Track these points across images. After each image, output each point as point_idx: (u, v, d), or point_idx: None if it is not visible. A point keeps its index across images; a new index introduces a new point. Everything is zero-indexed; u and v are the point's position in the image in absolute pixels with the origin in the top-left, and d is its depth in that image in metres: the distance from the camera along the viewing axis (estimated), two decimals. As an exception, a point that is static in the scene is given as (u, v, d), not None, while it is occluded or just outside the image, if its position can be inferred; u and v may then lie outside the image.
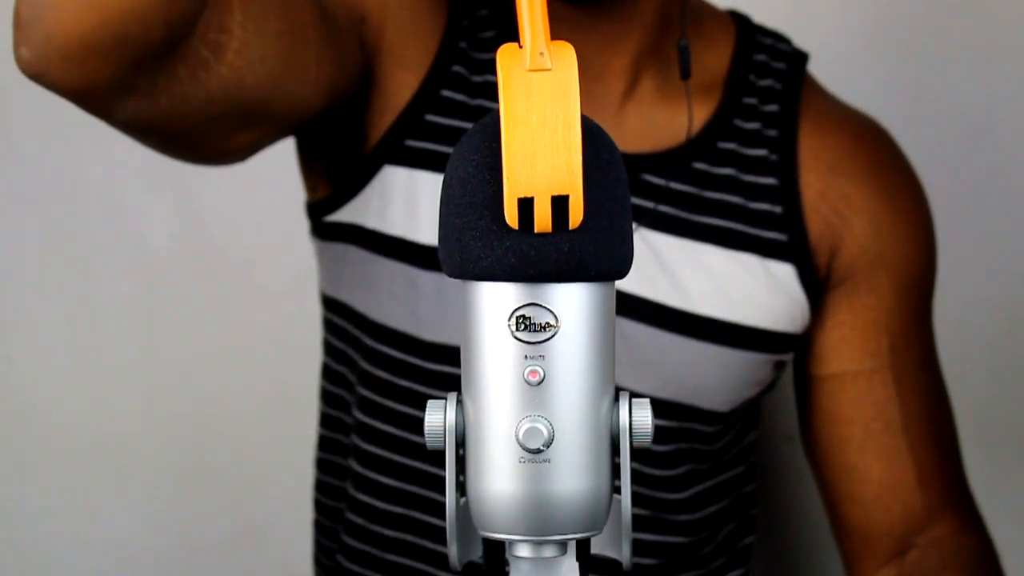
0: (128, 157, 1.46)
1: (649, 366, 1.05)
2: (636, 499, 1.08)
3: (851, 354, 1.09)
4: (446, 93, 1.06)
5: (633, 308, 1.04)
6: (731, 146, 1.08)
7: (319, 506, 1.20)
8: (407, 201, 1.06)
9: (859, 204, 1.09)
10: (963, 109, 1.40)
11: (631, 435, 0.60)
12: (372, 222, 1.07)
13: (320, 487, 1.20)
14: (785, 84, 1.10)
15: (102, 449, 1.54)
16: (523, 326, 0.58)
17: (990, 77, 1.39)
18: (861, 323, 1.09)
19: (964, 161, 1.39)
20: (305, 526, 1.24)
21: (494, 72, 1.07)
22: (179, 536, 1.56)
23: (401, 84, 1.06)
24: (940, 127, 1.39)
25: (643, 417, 0.60)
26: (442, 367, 1.06)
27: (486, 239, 0.57)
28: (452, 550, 0.62)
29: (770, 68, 1.11)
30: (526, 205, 0.56)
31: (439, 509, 1.07)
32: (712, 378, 1.07)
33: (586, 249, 0.57)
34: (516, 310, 0.58)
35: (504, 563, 0.63)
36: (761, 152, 1.08)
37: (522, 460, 0.59)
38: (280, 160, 1.19)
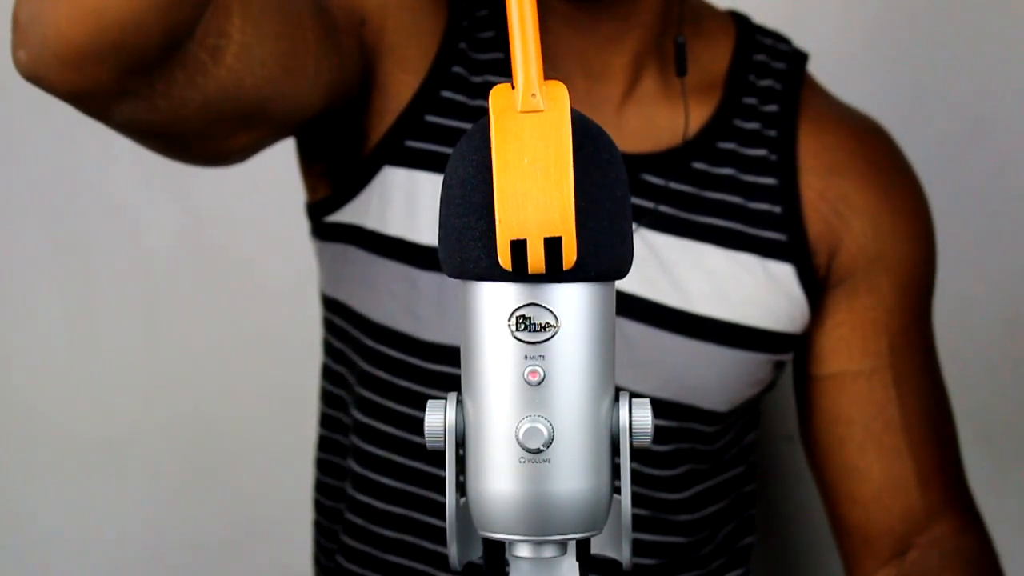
0: (128, 158, 1.46)
1: (649, 366, 1.05)
2: (636, 499, 1.08)
3: (851, 354, 1.09)
4: (446, 94, 1.06)
5: (633, 308, 1.04)
6: (731, 146, 1.08)
7: (319, 506, 1.20)
8: (407, 202, 1.06)
9: (859, 204, 1.09)
10: (963, 109, 1.40)
11: (631, 435, 0.60)
12: (372, 223, 1.07)
13: (320, 487, 1.20)
14: (785, 84, 1.10)
15: (102, 449, 1.54)
16: (523, 326, 0.58)
17: (990, 77, 1.39)
18: (860, 323, 1.09)
19: (964, 161, 1.39)
20: (305, 526, 1.24)
21: (494, 73, 1.07)
22: (179, 536, 1.56)
23: (401, 85, 1.06)
24: (940, 127, 1.39)
25: (643, 417, 0.60)
26: (442, 367, 1.06)
27: (486, 239, 0.57)
28: (452, 550, 0.62)
29: (770, 68, 1.11)
30: (519, 247, 0.56)
31: (439, 509, 1.07)
32: (711, 378, 1.07)
33: (586, 249, 0.57)
34: (516, 310, 0.58)
35: (504, 563, 0.63)
36: (761, 152, 1.08)
37: (522, 460, 0.59)
38: (280, 160, 1.19)
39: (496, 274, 0.57)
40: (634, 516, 1.07)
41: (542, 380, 0.58)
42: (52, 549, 1.56)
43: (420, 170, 1.06)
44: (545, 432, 0.58)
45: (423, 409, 0.61)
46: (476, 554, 0.64)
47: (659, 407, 1.06)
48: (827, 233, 1.08)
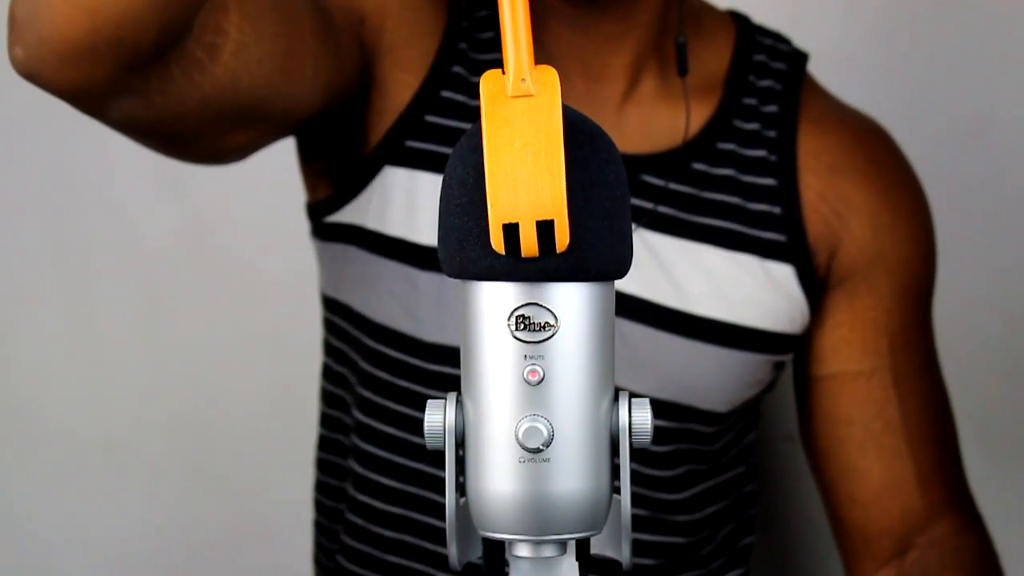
0: (128, 158, 1.46)
1: (648, 367, 1.05)
2: (635, 499, 1.08)
3: (851, 354, 1.09)
4: (446, 94, 1.06)
5: (632, 309, 1.04)
6: (730, 147, 1.08)
7: (319, 506, 1.20)
8: (407, 202, 1.06)
9: (858, 204, 1.09)
10: (963, 109, 1.40)
11: (631, 435, 0.60)
12: (372, 223, 1.07)
13: (320, 487, 1.20)
14: (785, 84, 1.10)
15: (102, 449, 1.54)
16: (523, 326, 0.58)
17: (990, 77, 1.39)
18: (860, 323, 1.09)
19: (964, 161, 1.39)
20: (305, 526, 1.24)
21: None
22: (179, 536, 1.56)
23: (401, 85, 1.06)
24: (940, 127, 1.39)
25: (643, 417, 0.60)
26: (442, 368, 1.06)
27: (485, 239, 0.57)
28: (452, 550, 0.62)
29: (770, 68, 1.11)
30: (511, 231, 0.56)
31: (439, 510, 1.07)
32: (711, 379, 1.07)
33: (585, 249, 0.57)
34: (516, 310, 0.58)
35: (504, 563, 0.63)
36: (760, 153, 1.08)
37: (522, 460, 0.59)
38: (280, 160, 1.19)
39: (496, 274, 0.57)
40: (634, 516, 1.07)
41: (542, 380, 0.58)
42: (52, 549, 1.56)
43: (420, 170, 1.06)
44: (545, 432, 0.58)
45: (423, 409, 0.61)
46: (476, 554, 0.64)
47: (658, 408, 1.06)
48: (827, 233, 1.08)
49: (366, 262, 1.07)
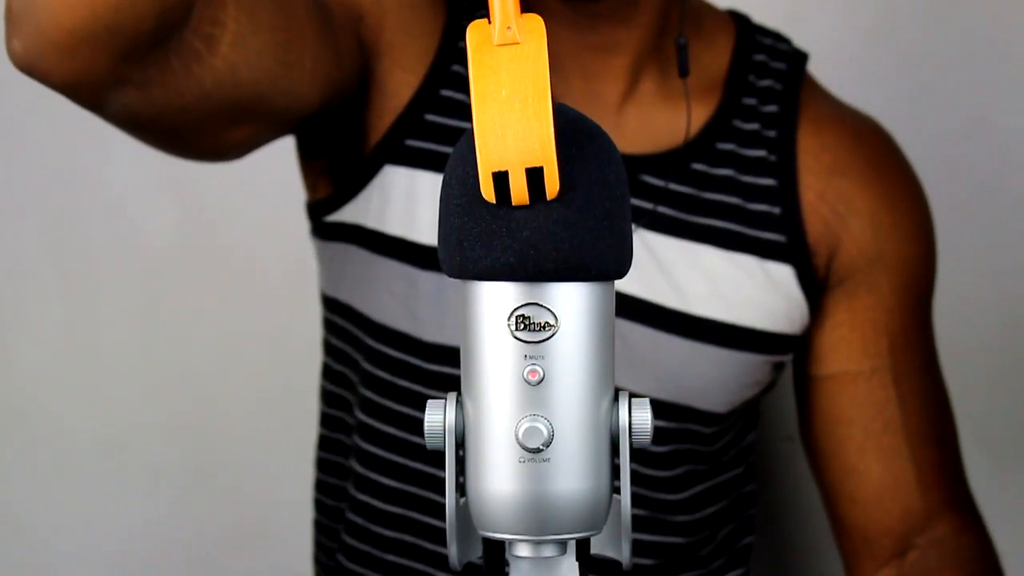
0: (128, 157, 1.46)
1: (647, 367, 1.05)
2: (634, 499, 1.08)
3: (850, 355, 1.09)
4: (446, 93, 1.06)
5: (631, 309, 1.04)
6: (730, 147, 1.08)
7: (319, 506, 1.20)
8: (407, 201, 1.06)
9: (858, 205, 1.09)
10: (963, 109, 1.40)
11: (631, 435, 0.60)
12: (372, 222, 1.07)
13: (320, 487, 1.20)
14: (784, 84, 1.10)
15: (102, 448, 1.54)
16: (523, 326, 0.58)
17: (990, 77, 1.39)
18: (860, 324, 1.09)
19: (964, 161, 1.39)
20: (305, 526, 1.24)
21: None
22: (179, 536, 1.56)
23: (401, 84, 1.06)
24: (940, 127, 1.39)
25: (643, 417, 0.60)
26: (442, 368, 1.06)
27: (485, 239, 0.57)
28: (452, 550, 0.62)
29: (769, 68, 1.11)
30: (501, 179, 0.56)
31: (439, 510, 1.07)
32: (710, 379, 1.07)
33: (586, 249, 0.57)
34: (516, 310, 0.58)
35: (504, 563, 0.63)
36: (760, 153, 1.08)
37: (522, 460, 0.59)
38: (281, 160, 1.19)
39: (496, 274, 0.57)
40: (633, 516, 1.06)
41: (542, 380, 0.58)
42: (52, 549, 1.56)
43: (420, 169, 1.06)
44: (545, 432, 0.58)
45: (423, 409, 0.61)
46: (476, 554, 0.64)
47: (658, 408, 1.06)
48: (826, 234, 1.08)
49: (366, 261, 1.07)
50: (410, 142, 1.06)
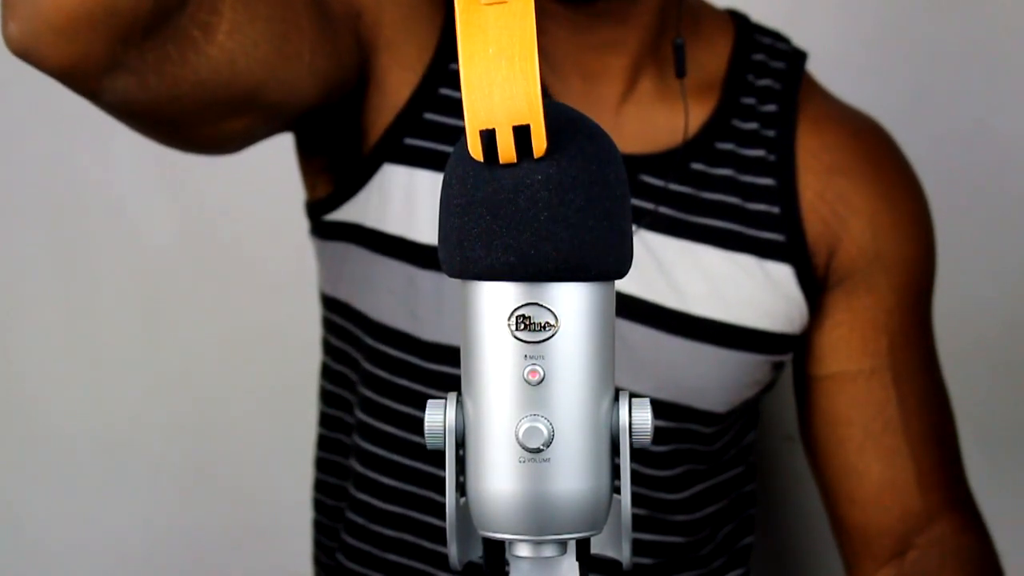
0: (128, 156, 1.46)
1: (647, 367, 1.05)
2: (634, 499, 1.08)
3: (850, 354, 1.09)
4: (445, 91, 1.06)
5: (631, 309, 1.04)
6: (729, 147, 1.08)
7: (319, 505, 1.20)
8: (406, 200, 1.06)
9: (858, 204, 1.09)
10: (963, 109, 1.40)
11: (631, 435, 0.60)
12: (371, 221, 1.07)
13: (320, 486, 1.20)
14: (784, 84, 1.10)
15: (102, 448, 1.54)
16: (523, 326, 0.58)
17: (990, 77, 1.39)
18: (860, 323, 1.09)
19: (964, 161, 1.39)
20: (305, 526, 1.24)
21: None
22: (179, 536, 1.56)
23: (399, 82, 1.06)
24: (940, 127, 1.39)
25: (643, 417, 0.60)
26: (442, 367, 1.06)
27: (486, 239, 0.57)
28: (452, 550, 0.62)
29: (768, 67, 1.11)
30: (488, 137, 0.56)
31: (439, 509, 1.07)
32: (710, 379, 1.07)
33: (586, 249, 0.57)
34: (516, 310, 0.58)
35: (504, 563, 0.63)
36: (759, 152, 1.08)
37: (522, 460, 0.58)
38: (280, 160, 1.19)
39: (496, 274, 0.57)
40: (633, 516, 1.07)
41: (542, 380, 0.58)
42: (51, 549, 1.56)
43: (419, 168, 1.06)
44: (545, 432, 0.58)
45: (423, 408, 0.61)
46: (476, 554, 0.64)
47: (657, 408, 1.06)
48: (826, 233, 1.08)
49: (365, 260, 1.07)
50: (409, 141, 1.06)
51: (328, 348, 1.17)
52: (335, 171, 1.10)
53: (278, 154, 1.15)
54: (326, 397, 1.18)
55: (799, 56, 1.12)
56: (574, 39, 1.06)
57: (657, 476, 1.09)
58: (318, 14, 0.97)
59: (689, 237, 1.06)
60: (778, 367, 1.11)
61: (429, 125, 1.06)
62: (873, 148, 1.11)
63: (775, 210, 1.07)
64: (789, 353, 1.10)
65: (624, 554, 0.62)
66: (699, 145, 1.08)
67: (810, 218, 1.08)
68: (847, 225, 1.08)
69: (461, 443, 0.61)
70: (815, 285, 1.08)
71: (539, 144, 0.56)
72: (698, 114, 1.08)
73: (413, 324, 1.06)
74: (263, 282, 1.52)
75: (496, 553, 0.63)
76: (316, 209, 1.12)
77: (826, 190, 1.08)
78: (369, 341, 1.09)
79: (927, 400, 1.11)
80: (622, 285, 1.02)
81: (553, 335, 0.58)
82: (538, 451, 0.58)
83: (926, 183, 1.13)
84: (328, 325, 1.16)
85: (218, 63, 0.88)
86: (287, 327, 1.49)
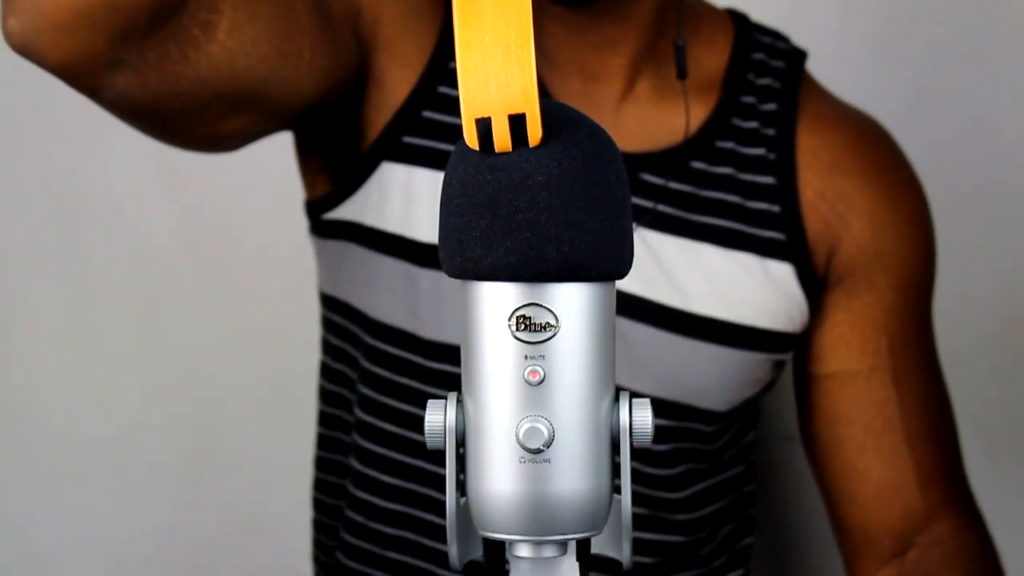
0: (128, 156, 1.46)
1: (647, 366, 1.05)
2: (634, 498, 1.08)
3: (850, 353, 1.09)
4: (443, 89, 1.06)
5: (631, 308, 1.04)
6: (729, 145, 1.08)
7: (318, 504, 1.20)
8: (405, 198, 1.06)
9: (858, 203, 1.09)
10: (963, 109, 1.40)
11: (631, 435, 0.60)
12: (370, 219, 1.07)
13: (319, 485, 1.20)
14: (783, 82, 1.10)
15: (102, 448, 1.54)
16: (523, 326, 0.58)
17: (990, 77, 1.39)
18: (860, 322, 1.09)
19: (964, 161, 1.39)
20: (305, 525, 1.24)
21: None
22: (179, 535, 1.56)
23: (398, 80, 1.06)
24: (940, 127, 1.39)
25: (643, 417, 0.60)
26: (442, 365, 1.06)
27: (486, 239, 0.57)
28: (452, 549, 0.62)
29: (768, 66, 1.11)
30: (484, 126, 0.56)
31: (439, 507, 1.07)
32: (710, 378, 1.07)
33: (586, 249, 0.57)
34: (516, 310, 0.58)
35: (504, 563, 0.63)
36: (759, 151, 1.08)
37: (522, 460, 0.58)
38: (280, 159, 1.19)
39: (496, 274, 0.57)
40: (633, 515, 1.07)
41: (542, 380, 0.58)
42: (52, 549, 1.56)
43: (418, 166, 1.06)
44: (545, 432, 0.58)
45: (423, 407, 0.61)
46: (476, 553, 0.64)
47: (658, 407, 1.06)
48: (826, 232, 1.08)
49: (365, 259, 1.07)
50: (408, 139, 1.06)
51: (327, 347, 1.17)
52: (334, 170, 1.11)
53: (277, 153, 1.15)
54: (325, 396, 1.18)
55: (799, 55, 1.12)
56: (574, 38, 1.06)
57: (657, 475, 1.09)
58: (318, 13, 0.97)
59: (689, 235, 1.06)
60: (779, 366, 1.11)
61: (428, 123, 1.06)
62: (873, 147, 1.11)
63: (775, 209, 1.07)
64: (790, 352, 1.10)
65: (624, 554, 0.62)
66: (699, 143, 1.08)
67: (810, 217, 1.08)
68: (847, 224, 1.08)
69: (461, 443, 0.61)
70: (815, 284, 1.08)
71: (534, 133, 0.56)
72: (698, 112, 1.08)
73: (413, 322, 1.06)
74: (262, 281, 1.52)
75: (496, 553, 0.63)
76: (315, 208, 1.12)
77: (826, 189, 1.08)
78: (368, 339, 1.09)
79: (927, 399, 1.11)
80: (622, 284, 1.02)
81: (553, 335, 0.58)
82: (538, 451, 0.58)
83: (926, 183, 1.13)
84: (327, 324, 1.16)
85: (218, 61, 0.88)
86: (286, 326, 1.49)
